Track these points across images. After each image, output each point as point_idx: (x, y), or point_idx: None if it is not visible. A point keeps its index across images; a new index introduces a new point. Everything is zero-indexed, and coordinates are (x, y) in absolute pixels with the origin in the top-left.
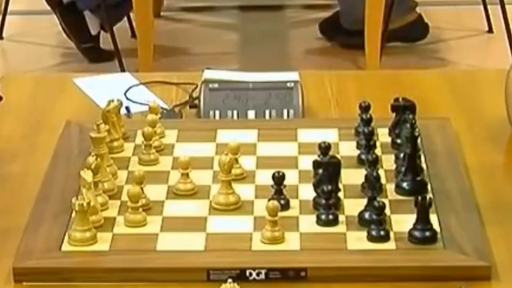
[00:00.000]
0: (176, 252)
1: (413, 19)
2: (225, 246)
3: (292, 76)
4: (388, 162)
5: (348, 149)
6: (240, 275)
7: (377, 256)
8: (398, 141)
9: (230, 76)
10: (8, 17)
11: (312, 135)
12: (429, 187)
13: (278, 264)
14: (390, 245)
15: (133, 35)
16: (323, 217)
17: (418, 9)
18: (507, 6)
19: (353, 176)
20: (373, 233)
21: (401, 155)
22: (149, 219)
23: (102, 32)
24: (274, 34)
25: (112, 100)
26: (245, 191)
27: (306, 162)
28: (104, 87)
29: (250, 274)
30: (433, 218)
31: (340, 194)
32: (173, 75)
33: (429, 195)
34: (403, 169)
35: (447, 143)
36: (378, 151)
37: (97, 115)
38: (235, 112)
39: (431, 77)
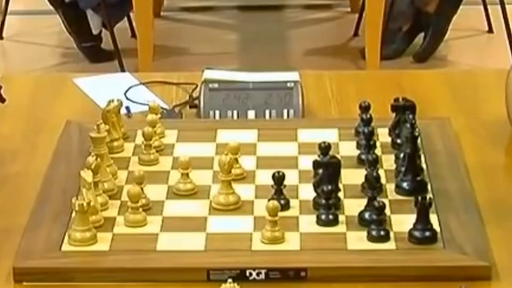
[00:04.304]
0: (176, 252)
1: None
2: (225, 246)
3: (292, 76)
4: (388, 162)
5: (348, 149)
6: (240, 275)
7: (377, 256)
8: (398, 141)
9: (230, 76)
10: (8, 17)
11: (312, 135)
12: (429, 187)
13: (278, 264)
14: (390, 245)
15: (133, 35)
16: (323, 217)
17: None
18: (507, 6)
19: (353, 176)
20: (373, 233)
21: (401, 155)
22: (149, 219)
23: (104, 31)
24: (274, 34)
25: (112, 100)
26: (245, 191)
27: (306, 162)
28: (104, 87)
29: (250, 274)
30: (433, 218)
31: (340, 194)
32: (173, 75)
33: (429, 195)
34: (403, 169)
35: (447, 143)
36: (378, 151)
37: (97, 115)
38: (235, 112)
39: (431, 77)
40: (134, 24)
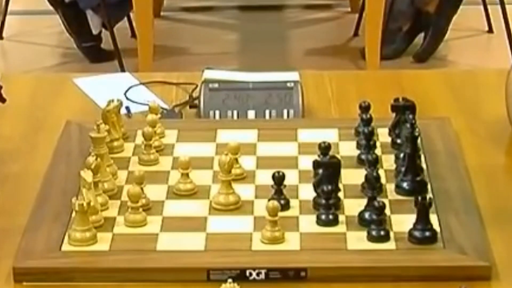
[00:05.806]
0: (176, 252)
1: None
2: (225, 246)
3: (292, 76)
4: (388, 162)
5: (348, 149)
6: (240, 275)
7: (377, 256)
8: (398, 141)
9: (230, 76)
10: (8, 17)
11: (312, 135)
12: (429, 187)
13: (278, 264)
14: (390, 245)
15: (133, 35)
16: (323, 217)
17: None
18: (507, 6)
19: (353, 176)
20: (373, 233)
21: (401, 155)
22: (149, 219)
23: (104, 31)
24: (274, 34)
25: (112, 100)
26: (245, 191)
27: (306, 162)
28: (104, 87)
29: (250, 274)
30: (433, 218)
31: (340, 194)
32: (173, 75)
33: (429, 195)
34: (403, 169)
35: (447, 143)
36: (378, 151)
37: (97, 115)
38: (235, 112)
39: (431, 77)
40: (134, 24)
